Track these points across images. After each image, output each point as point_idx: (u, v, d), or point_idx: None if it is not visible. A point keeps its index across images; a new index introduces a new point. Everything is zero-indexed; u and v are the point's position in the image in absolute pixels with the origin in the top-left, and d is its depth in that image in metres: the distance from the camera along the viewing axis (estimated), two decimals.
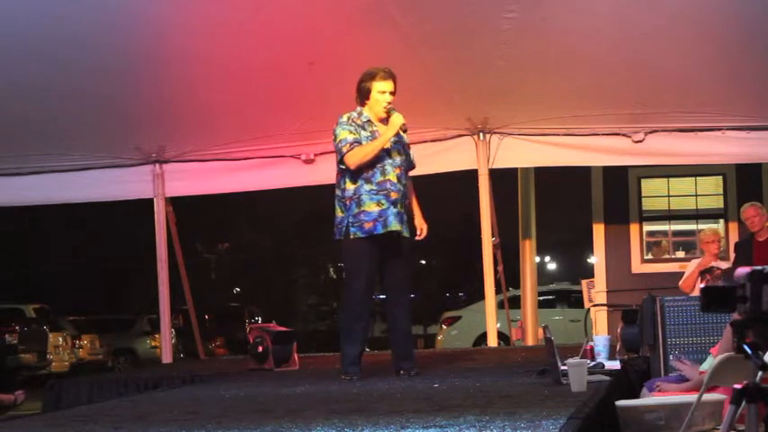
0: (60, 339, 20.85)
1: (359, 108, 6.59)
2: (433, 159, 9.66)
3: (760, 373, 3.04)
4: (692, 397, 4.28)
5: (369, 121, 6.53)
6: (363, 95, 6.55)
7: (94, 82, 8.75)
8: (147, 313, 24.17)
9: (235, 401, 5.61)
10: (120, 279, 31.81)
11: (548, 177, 13.55)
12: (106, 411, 5.48)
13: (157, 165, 10.39)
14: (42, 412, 7.29)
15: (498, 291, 10.76)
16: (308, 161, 10.19)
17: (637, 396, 5.52)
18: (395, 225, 6.40)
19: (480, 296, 12.54)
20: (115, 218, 25.70)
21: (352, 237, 6.40)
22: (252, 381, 7.01)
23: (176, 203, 10.86)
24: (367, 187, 6.41)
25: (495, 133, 9.88)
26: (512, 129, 9.83)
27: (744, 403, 3.06)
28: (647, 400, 5.05)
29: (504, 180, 11.84)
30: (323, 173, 10.12)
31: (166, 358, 11.05)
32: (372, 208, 6.38)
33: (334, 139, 6.51)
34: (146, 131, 9.90)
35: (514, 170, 12.08)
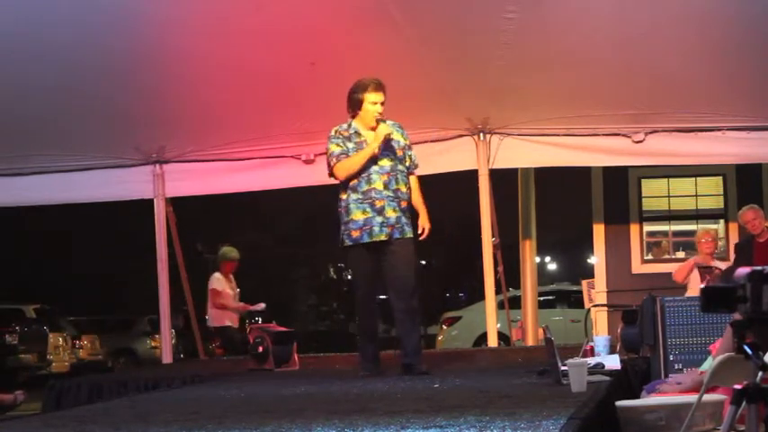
0: (60, 339, 20.82)
1: (349, 120, 6.74)
2: (433, 159, 9.64)
3: (760, 374, 3.04)
4: (692, 397, 4.27)
5: (356, 132, 6.69)
6: (355, 106, 6.68)
7: (94, 82, 8.75)
8: (147, 313, 24.13)
9: (235, 402, 5.61)
10: (121, 279, 31.76)
11: (548, 177, 13.53)
12: (106, 411, 5.48)
13: (158, 165, 10.39)
14: (42, 412, 7.28)
15: (498, 291, 10.75)
16: (309, 161, 10.18)
17: (637, 397, 5.51)
18: (378, 235, 6.56)
19: (480, 296, 12.54)
20: (116, 218, 25.67)
21: (344, 245, 6.65)
22: (252, 381, 7.00)
23: (176, 203, 10.85)
24: (354, 196, 6.62)
25: (495, 133, 9.88)
26: (512, 129, 9.83)
27: (744, 404, 3.06)
28: (648, 400, 5.03)
29: (504, 180, 11.83)
30: (323, 173, 10.10)
31: (166, 358, 11.07)
32: (358, 216, 6.58)
33: (327, 154, 6.79)
34: (146, 131, 9.90)
35: (514, 170, 12.07)
